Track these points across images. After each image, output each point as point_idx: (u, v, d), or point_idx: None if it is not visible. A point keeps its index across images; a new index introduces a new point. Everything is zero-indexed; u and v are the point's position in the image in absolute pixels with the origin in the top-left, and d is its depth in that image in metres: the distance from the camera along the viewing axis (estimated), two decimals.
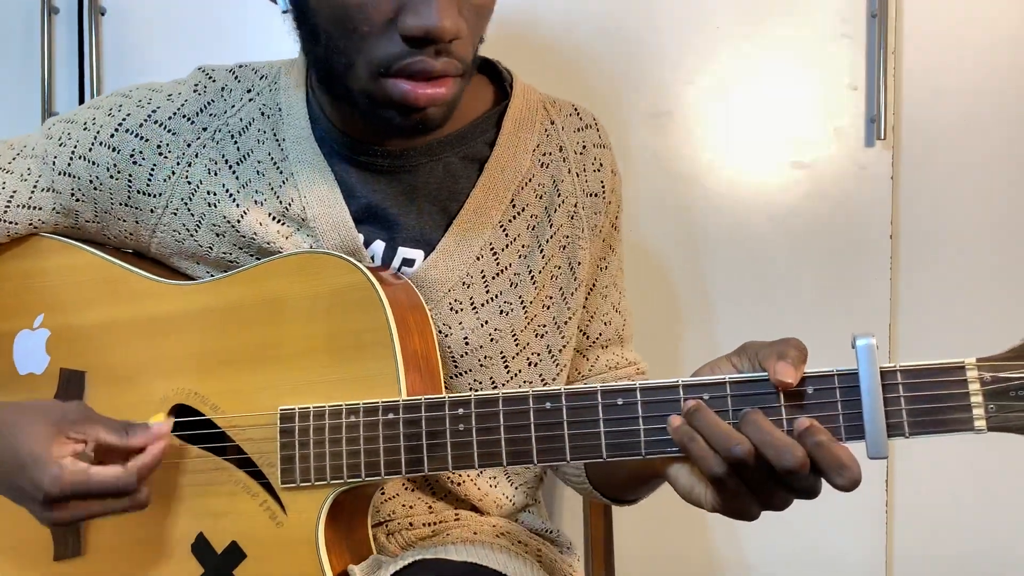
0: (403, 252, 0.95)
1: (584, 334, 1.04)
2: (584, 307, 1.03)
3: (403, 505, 0.99)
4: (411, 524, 0.99)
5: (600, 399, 0.76)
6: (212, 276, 0.94)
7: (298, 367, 0.86)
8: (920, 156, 1.45)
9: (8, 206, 0.96)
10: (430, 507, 1.00)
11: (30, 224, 0.97)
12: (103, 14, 1.44)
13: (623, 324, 1.07)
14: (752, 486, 0.71)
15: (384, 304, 0.84)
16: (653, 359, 1.37)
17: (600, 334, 1.05)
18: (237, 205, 0.94)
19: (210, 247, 0.95)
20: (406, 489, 0.99)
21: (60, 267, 0.97)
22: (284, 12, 0.89)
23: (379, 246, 0.95)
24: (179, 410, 0.90)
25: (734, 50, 1.44)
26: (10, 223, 0.97)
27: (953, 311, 1.46)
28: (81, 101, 1.46)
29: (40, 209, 0.97)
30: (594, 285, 1.03)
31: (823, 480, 0.70)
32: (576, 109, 1.02)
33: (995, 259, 1.46)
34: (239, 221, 0.94)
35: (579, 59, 1.44)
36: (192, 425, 0.89)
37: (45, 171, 0.97)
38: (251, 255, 0.95)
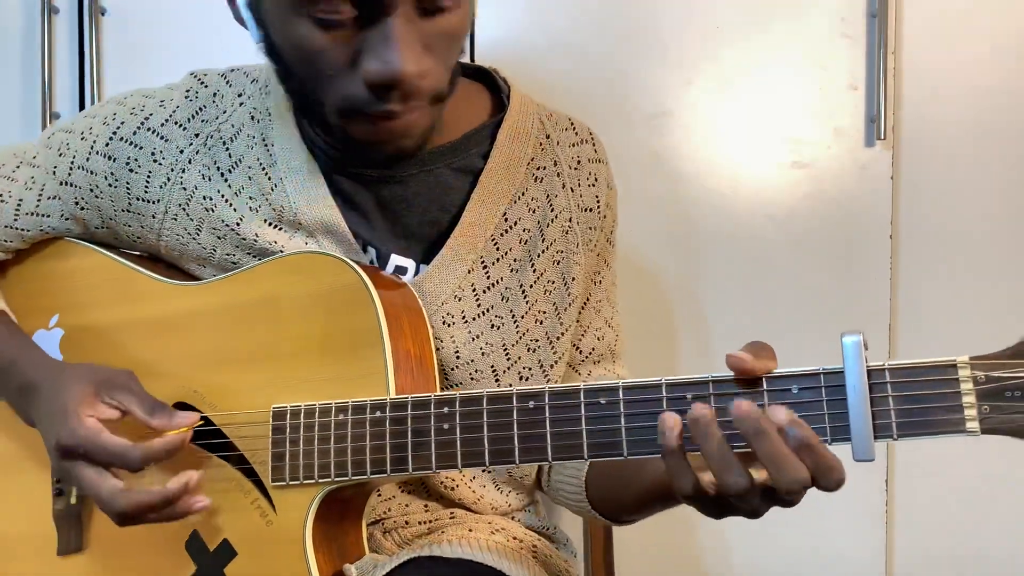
0: (395, 260, 0.95)
1: (577, 348, 1.03)
2: (577, 321, 1.02)
3: (399, 504, 0.99)
4: (407, 522, 0.99)
5: (583, 398, 0.75)
6: (215, 277, 0.95)
7: (292, 366, 0.86)
8: (920, 156, 1.45)
9: (17, 214, 0.99)
10: (426, 506, 1.00)
11: (41, 230, 1.00)
12: (103, 14, 1.44)
13: (615, 339, 1.06)
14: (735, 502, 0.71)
15: (376, 304, 0.84)
16: (652, 359, 1.38)
17: (593, 348, 1.04)
18: (234, 210, 0.95)
19: (213, 249, 0.96)
20: (402, 491, 0.99)
21: (76, 269, 0.99)
22: (257, 43, 0.89)
23: (371, 253, 0.95)
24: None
25: (734, 50, 1.44)
26: (22, 230, 0.99)
27: (953, 311, 1.46)
28: (81, 101, 1.46)
29: (48, 216, 0.99)
30: (588, 299, 1.03)
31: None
32: (572, 123, 1.01)
33: (995, 259, 1.46)
34: (238, 224, 0.94)
35: (580, 59, 1.44)
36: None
37: (48, 180, 0.99)
38: (253, 256, 0.95)
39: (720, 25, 1.44)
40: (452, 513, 1.01)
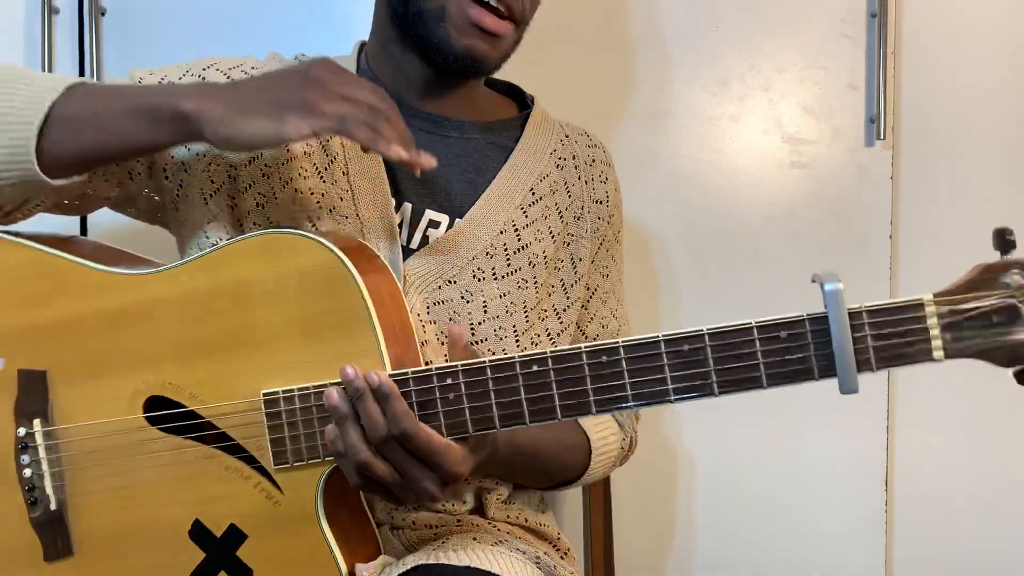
0: (430, 214, 1.01)
1: (583, 333, 1.11)
2: (585, 308, 1.10)
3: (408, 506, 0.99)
4: (414, 523, 1.00)
5: (585, 359, 0.79)
6: (168, 265, 0.93)
7: (275, 350, 0.86)
8: (920, 156, 1.45)
9: None
10: (436, 510, 1.01)
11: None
12: (103, 14, 1.44)
13: (618, 329, 1.14)
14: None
15: (358, 281, 0.84)
16: None
17: (597, 335, 1.12)
18: (287, 150, 1.00)
19: (251, 183, 0.99)
20: None
21: None
22: None
23: (407, 208, 1.01)
24: (155, 401, 0.89)
25: (734, 50, 1.44)
26: None
27: None
28: None
29: None
30: (596, 290, 1.11)
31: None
32: (586, 132, 1.14)
33: (994, 259, 1.45)
34: (283, 165, 0.99)
35: (579, 59, 1.44)
36: (173, 417, 0.89)
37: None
38: (276, 200, 0.98)
39: (720, 25, 1.44)
40: (459, 520, 1.01)
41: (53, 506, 0.91)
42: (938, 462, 1.47)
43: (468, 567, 0.90)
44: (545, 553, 1.04)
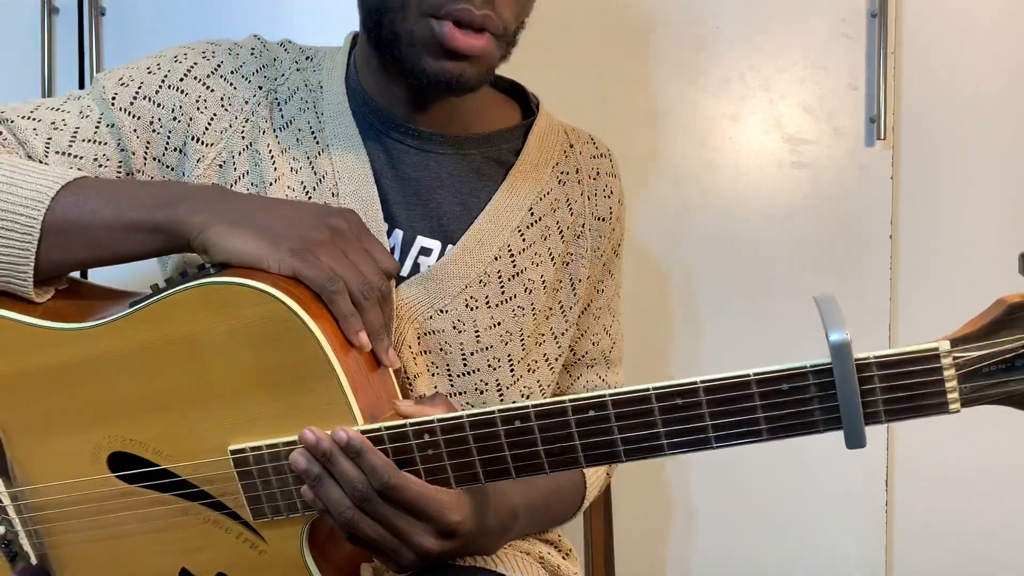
0: (421, 241, 0.97)
1: (572, 351, 1.07)
2: (576, 325, 1.05)
3: None
4: None
5: (571, 413, 0.74)
6: (105, 319, 0.87)
7: (236, 405, 0.80)
8: (920, 156, 1.45)
9: (73, 141, 0.94)
10: None
11: (95, 160, 0.94)
12: (103, 14, 1.44)
13: (611, 347, 1.10)
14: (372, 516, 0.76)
15: (314, 332, 0.77)
16: (650, 360, 1.38)
17: (586, 352, 1.08)
18: (274, 168, 0.95)
19: None
20: None
21: None
22: None
23: (398, 235, 0.96)
24: (118, 457, 0.86)
25: (734, 50, 1.44)
26: (75, 156, 0.94)
27: (953, 311, 1.45)
28: None
29: (105, 144, 0.95)
30: (588, 305, 1.06)
31: None
32: (592, 138, 1.08)
33: (995, 259, 1.46)
34: (270, 186, 0.95)
35: (579, 59, 1.44)
36: (147, 475, 0.85)
37: (107, 109, 0.95)
38: None
39: (720, 25, 1.44)
40: None
41: (34, 560, 0.89)
42: (938, 462, 1.48)
43: (474, 567, 0.90)
44: (548, 554, 1.04)
